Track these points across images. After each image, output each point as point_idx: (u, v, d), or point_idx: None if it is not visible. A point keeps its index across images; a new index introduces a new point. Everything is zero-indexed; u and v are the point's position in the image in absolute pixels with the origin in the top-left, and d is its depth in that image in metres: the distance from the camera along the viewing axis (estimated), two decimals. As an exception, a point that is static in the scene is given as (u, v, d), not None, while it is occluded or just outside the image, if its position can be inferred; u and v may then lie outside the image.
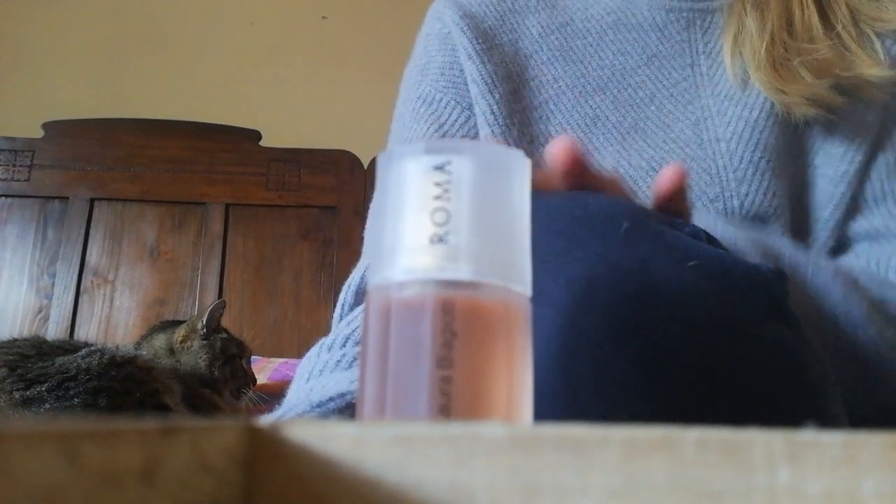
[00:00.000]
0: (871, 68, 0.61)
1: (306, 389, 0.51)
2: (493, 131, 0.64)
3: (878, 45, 0.63)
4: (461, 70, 0.70)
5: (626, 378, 0.31)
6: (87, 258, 1.91)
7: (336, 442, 0.19)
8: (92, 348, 1.17)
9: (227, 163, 2.00)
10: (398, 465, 0.18)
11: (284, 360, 1.66)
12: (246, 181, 1.98)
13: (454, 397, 0.23)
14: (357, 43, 2.13)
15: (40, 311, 1.87)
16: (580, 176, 0.38)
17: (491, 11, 0.72)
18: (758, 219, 0.61)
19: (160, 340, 1.41)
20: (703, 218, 0.55)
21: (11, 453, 0.13)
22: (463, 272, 0.24)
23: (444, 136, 0.68)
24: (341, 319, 0.61)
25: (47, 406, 1.04)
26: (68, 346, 1.21)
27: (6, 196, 1.93)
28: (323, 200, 1.98)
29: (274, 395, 1.35)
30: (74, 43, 2.12)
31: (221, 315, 1.46)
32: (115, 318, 1.89)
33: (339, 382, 0.49)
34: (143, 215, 1.96)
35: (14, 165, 1.95)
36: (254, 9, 2.17)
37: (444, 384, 0.23)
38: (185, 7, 2.16)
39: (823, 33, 0.63)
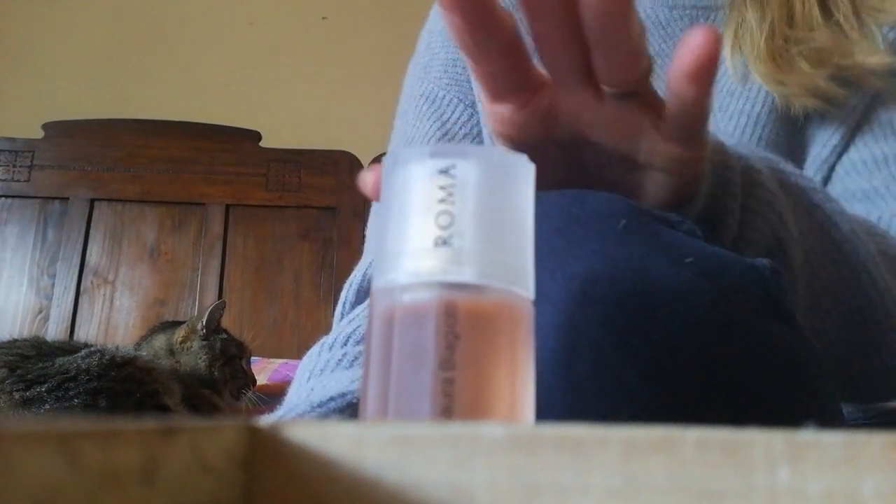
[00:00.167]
0: (870, 56, 0.61)
1: (307, 389, 0.51)
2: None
3: (878, 35, 0.62)
4: (465, 66, 0.69)
5: (624, 376, 0.31)
6: (87, 258, 1.91)
7: (336, 442, 0.19)
8: (92, 349, 1.17)
9: (227, 163, 2.00)
10: (398, 465, 0.18)
11: (284, 360, 1.66)
12: (246, 181, 1.99)
13: (457, 399, 0.23)
14: (357, 43, 2.13)
15: (40, 312, 1.87)
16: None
17: None
18: None
19: (160, 341, 1.41)
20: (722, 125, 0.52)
21: (11, 453, 0.13)
22: (466, 275, 0.24)
23: (446, 133, 0.68)
24: (342, 318, 0.61)
25: (47, 407, 1.04)
26: (68, 346, 1.21)
27: (6, 196, 1.93)
28: (323, 201, 1.99)
29: (274, 395, 1.35)
30: (74, 43, 2.12)
31: (221, 316, 1.46)
32: (115, 319, 1.89)
33: (340, 381, 0.49)
34: (143, 216, 1.96)
35: (14, 166, 1.95)
36: (254, 9, 2.17)
37: (446, 386, 0.23)
38: (185, 7, 2.16)
39: (823, 23, 0.62)
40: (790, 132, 0.65)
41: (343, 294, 0.62)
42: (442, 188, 0.24)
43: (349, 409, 0.46)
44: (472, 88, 0.69)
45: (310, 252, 1.95)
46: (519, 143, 0.38)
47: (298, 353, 0.58)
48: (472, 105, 0.69)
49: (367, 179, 0.33)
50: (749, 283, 0.37)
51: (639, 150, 0.37)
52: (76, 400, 1.06)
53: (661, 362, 0.32)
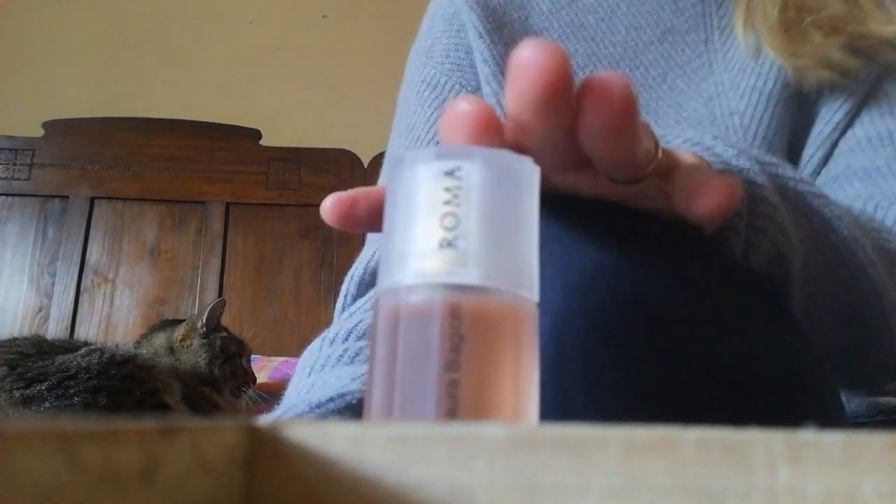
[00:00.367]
0: (885, 25, 0.60)
1: (307, 385, 0.51)
2: (503, 113, 0.63)
3: (892, 5, 0.61)
4: (467, 51, 0.69)
5: (621, 385, 0.31)
6: (87, 257, 1.91)
7: (336, 442, 0.19)
8: (92, 347, 1.17)
9: (228, 162, 2.00)
10: (398, 465, 0.18)
11: (284, 358, 1.66)
12: (246, 180, 1.99)
13: (461, 400, 0.23)
14: (357, 41, 2.13)
15: (40, 310, 1.87)
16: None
17: None
18: None
19: (160, 339, 1.41)
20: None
21: (11, 453, 0.13)
22: (471, 277, 0.24)
23: None
24: (344, 311, 0.61)
25: (47, 405, 1.04)
26: (68, 344, 1.21)
27: (6, 195, 1.93)
28: (323, 200, 1.98)
29: (274, 393, 1.35)
30: (74, 43, 2.12)
31: (221, 314, 1.46)
32: (115, 317, 1.89)
33: (341, 379, 0.49)
34: (144, 214, 1.96)
35: (14, 164, 1.95)
36: (254, 7, 2.17)
37: (451, 387, 0.23)
38: (185, 7, 2.16)
39: None
40: (800, 108, 0.64)
41: (344, 286, 0.62)
42: (447, 190, 0.24)
43: (348, 410, 0.46)
44: (474, 74, 0.68)
45: (310, 250, 1.95)
46: None
47: (298, 352, 0.58)
48: (475, 91, 0.68)
49: (325, 207, 0.33)
50: (754, 291, 0.37)
51: (643, 206, 0.35)
52: (76, 398, 1.06)
53: (660, 371, 0.32)
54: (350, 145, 2.02)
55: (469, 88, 0.68)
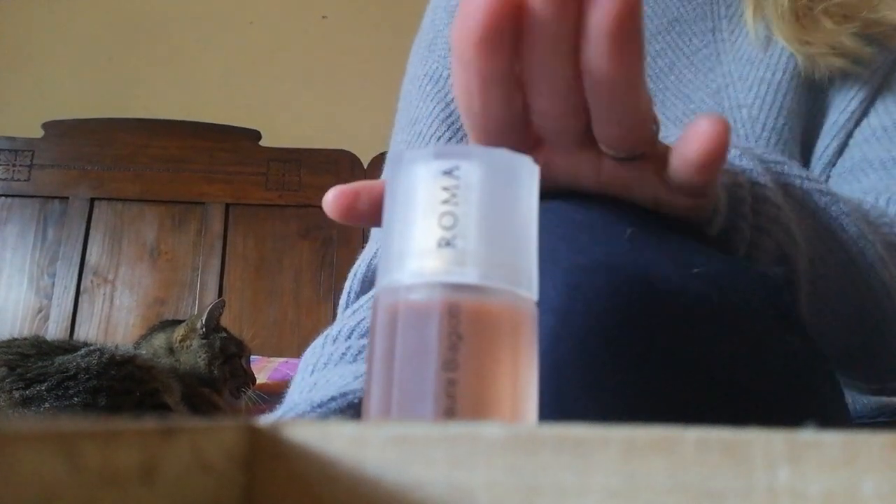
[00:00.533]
0: None
1: (310, 383, 0.51)
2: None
3: None
4: None
5: (622, 385, 0.31)
6: (86, 258, 1.91)
7: (336, 442, 0.19)
8: (91, 348, 1.17)
9: (227, 162, 2.00)
10: (398, 465, 0.18)
11: (284, 359, 1.66)
12: (246, 181, 1.99)
13: (459, 400, 0.23)
14: (357, 42, 2.13)
15: (40, 311, 1.87)
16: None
17: None
18: None
19: (160, 340, 1.41)
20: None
21: (11, 453, 0.13)
22: (469, 276, 0.24)
23: (450, 115, 0.65)
24: (347, 307, 0.61)
25: (47, 405, 1.04)
26: (68, 345, 1.21)
27: (6, 196, 1.93)
28: (322, 200, 1.98)
29: (274, 394, 1.35)
30: (74, 43, 2.12)
31: (220, 314, 1.46)
32: (114, 318, 1.89)
33: (343, 377, 0.49)
34: (143, 215, 1.96)
35: (14, 165, 1.95)
36: (254, 8, 2.17)
37: (449, 387, 0.23)
38: (184, 6, 2.16)
39: None
40: (811, 99, 0.63)
41: (347, 283, 0.62)
42: (445, 189, 0.24)
43: (350, 409, 0.46)
44: None
45: (310, 251, 1.95)
46: None
47: (298, 352, 0.58)
48: None
49: (327, 200, 0.32)
50: (759, 293, 0.36)
51: (642, 200, 0.35)
52: (76, 398, 1.06)
53: (662, 371, 0.32)
54: (350, 146, 2.02)
55: None
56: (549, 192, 0.29)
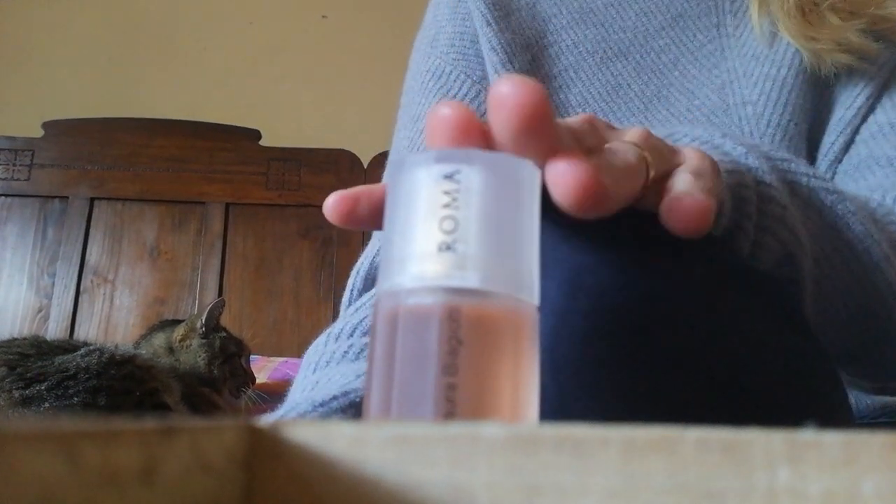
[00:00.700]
0: None
1: (312, 381, 0.51)
2: None
3: None
4: (472, 40, 0.68)
5: (623, 385, 0.31)
6: (86, 257, 1.91)
7: (336, 442, 0.19)
8: (91, 347, 1.17)
9: (227, 162, 2.00)
10: (398, 465, 0.18)
11: (284, 359, 1.66)
12: (246, 180, 1.98)
13: (459, 404, 0.23)
14: (357, 42, 2.13)
15: (40, 311, 1.87)
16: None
17: None
18: None
19: (159, 339, 1.41)
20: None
21: (11, 453, 0.13)
22: (470, 280, 0.24)
23: None
24: (349, 305, 0.61)
25: (47, 405, 1.04)
26: (68, 345, 1.21)
27: (6, 195, 1.93)
28: (323, 200, 1.94)
29: (274, 394, 1.35)
30: (74, 43, 2.12)
31: (220, 314, 1.46)
32: (114, 318, 1.89)
33: (345, 376, 0.49)
34: (143, 214, 1.96)
35: (14, 165, 1.95)
36: (254, 9, 2.17)
37: (449, 391, 0.23)
38: (185, 7, 2.16)
39: None
40: (817, 95, 0.63)
41: (350, 281, 0.62)
42: (446, 193, 0.24)
43: (351, 408, 0.46)
44: (479, 63, 0.67)
45: (310, 251, 1.95)
46: None
47: (298, 352, 0.58)
48: (480, 81, 0.67)
49: (327, 205, 0.32)
50: (764, 293, 0.36)
51: (643, 205, 0.34)
52: (76, 398, 1.06)
53: (665, 370, 0.31)
54: (350, 145, 2.02)
55: (474, 78, 0.67)
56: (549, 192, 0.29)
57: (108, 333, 1.85)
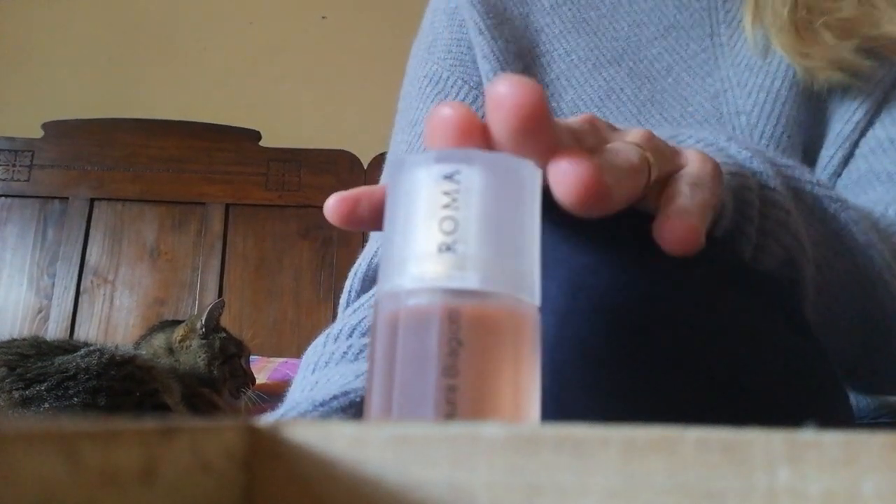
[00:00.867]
0: None
1: (311, 382, 0.51)
2: None
3: None
4: (469, 46, 0.68)
5: (623, 385, 0.31)
6: (86, 258, 1.91)
7: (336, 442, 0.19)
8: (91, 348, 1.17)
9: (227, 162, 2.00)
10: (398, 465, 0.18)
11: (284, 359, 1.66)
12: (246, 181, 1.98)
13: (459, 406, 0.23)
14: (357, 42, 2.13)
15: (40, 311, 1.87)
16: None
17: None
18: None
19: (159, 340, 1.41)
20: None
21: (11, 453, 0.13)
22: (470, 281, 0.24)
23: None
24: (347, 306, 0.61)
25: (46, 405, 1.04)
26: (68, 345, 1.21)
27: (6, 196, 1.93)
28: (322, 200, 1.92)
29: (273, 394, 1.35)
30: (74, 43, 2.12)
31: (220, 314, 1.46)
32: (114, 318, 1.89)
33: (344, 376, 0.49)
34: (143, 215, 1.96)
35: (14, 165, 1.95)
36: (254, 9, 2.17)
37: (449, 393, 0.23)
38: (185, 7, 2.16)
39: None
40: (812, 108, 0.63)
41: (348, 282, 0.62)
42: (446, 193, 0.24)
43: (351, 408, 0.46)
44: (476, 69, 0.68)
45: (309, 251, 1.95)
46: None
47: (298, 352, 0.58)
48: (477, 86, 0.67)
49: (328, 206, 0.32)
50: (765, 293, 0.36)
51: (643, 208, 0.34)
52: (76, 399, 1.06)
53: (660, 369, 0.31)
54: (349, 146, 2.02)
55: (471, 84, 0.68)
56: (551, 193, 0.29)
57: (107, 334, 1.85)
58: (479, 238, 0.24)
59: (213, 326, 1.43)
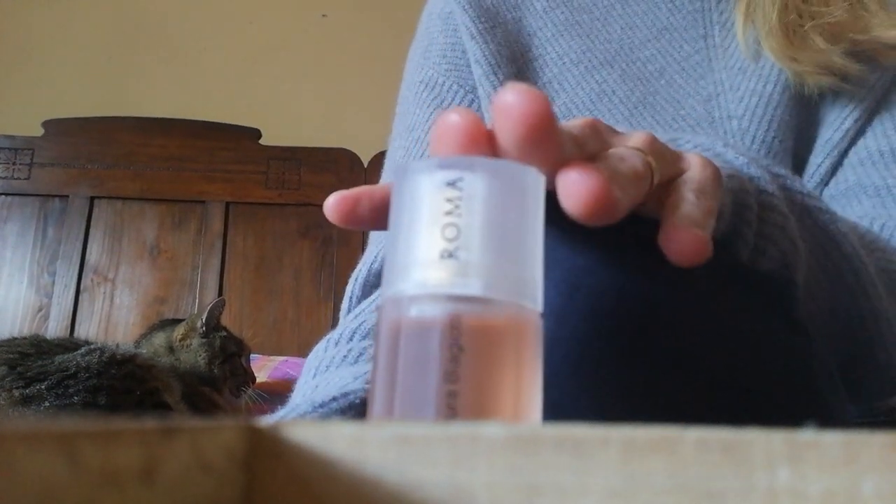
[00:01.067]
0: (889, 30, 0.58)
1: (312, 386, 0.51)
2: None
3: None
4: (463, 51, 0.68)
5: (622, 385, 0.31)
6: (87, 256, 1.91)
7: (336, 442, 0.19)
8: (92, 346, 1.17)
9: (227, 161, 2.00)
10: (398, 465, 0.18)
11: (284, 358, 1.66)
12: (246, 179, 1.98)
13: (460, 411, 0.23)
14: (357, 41, 2.13)
15: (40, 310, 1.87)
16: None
17: None
18: None
19: (160, 339, 1.41)
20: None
21: (11, 453, 0.13)
22: (472, 287, 0.24)
23: None
24: (349, 312, 0.61)
25: (47, 404, 1.04)
26: (68, 344, 1.21)
27: (6, 194, 1.93)
28: (323, 199, 1.90)
29: (274, 393, 1.35)
30: (74, 42, 2.11)
31: (221, 313, 1.46)
32: (115, 317, 1.89)
33: (344, 378, 0.49)
34: (143, 213, 1.96)
35: (14, 164, 1.95)
36: (254, 7, 2.17)
37: (450, 398, 0.23)
38: (185, 6, 2.16)
39: None
40: (804, 112, 0.62)
41: (349, 288, 0.62)
42: (449, 200, 0.24)
43: (351, 409, 0.46)
44: (471, 73, 0.68)
45: (310, 250, 1.95)
46: None
47: (298, 351, 0.58)
48: (473, 90, 0.67)
49: (328, 205, 0.32)
50: (761, 293, 0.36)
51: (643, 211, 0.34)
52: (76, 397, 1.06)
53: (660, 368, 0.31)
54: (350, 145, 2.02)
55: (467, 88, 0.68)
56: (550, 193, 0.29)
57: (108, 332, 1.85)
58: (482, 245, 0.24)
59: (213, 325, 1.43)
